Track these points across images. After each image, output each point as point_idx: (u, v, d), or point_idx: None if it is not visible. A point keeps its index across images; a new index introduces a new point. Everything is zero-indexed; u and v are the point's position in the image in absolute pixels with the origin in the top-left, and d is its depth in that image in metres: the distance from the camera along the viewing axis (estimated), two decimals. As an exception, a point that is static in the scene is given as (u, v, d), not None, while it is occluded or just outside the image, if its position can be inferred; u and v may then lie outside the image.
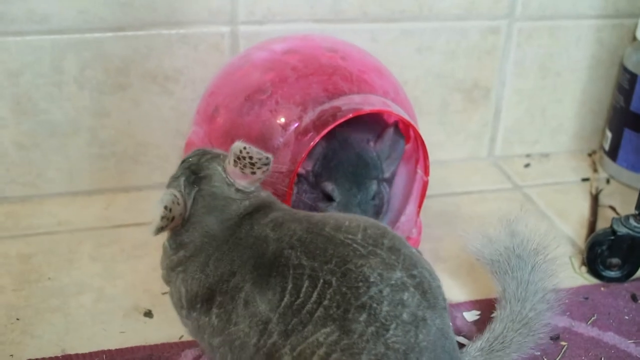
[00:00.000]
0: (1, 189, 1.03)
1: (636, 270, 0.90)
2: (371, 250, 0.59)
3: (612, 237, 0.89)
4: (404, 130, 0.90)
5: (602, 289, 0.88)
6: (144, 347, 0.76)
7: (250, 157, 0.64)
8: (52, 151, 1.02)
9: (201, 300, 0.63)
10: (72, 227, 0.98)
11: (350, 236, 0.60)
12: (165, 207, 0.62)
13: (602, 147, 1.20)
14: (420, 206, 0.89)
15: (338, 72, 0.81)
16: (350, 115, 0.76)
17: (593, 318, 0.82)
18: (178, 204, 0.64)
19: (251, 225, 0.64)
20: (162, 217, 0.62)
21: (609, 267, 0.90)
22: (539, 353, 0.76)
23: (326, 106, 0.77)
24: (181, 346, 0.76)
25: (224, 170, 0.67)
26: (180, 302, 0.66)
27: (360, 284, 0.57)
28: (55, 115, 1.00)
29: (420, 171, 0.88)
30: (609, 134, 1.16)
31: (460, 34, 1.10)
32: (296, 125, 0.77)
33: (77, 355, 0.75)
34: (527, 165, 1.20)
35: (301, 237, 0.61)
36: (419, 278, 0.59)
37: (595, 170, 1.19)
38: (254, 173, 0.65)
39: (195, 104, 0.91)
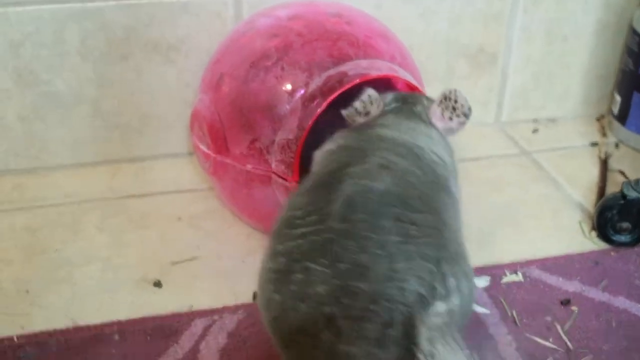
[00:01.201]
0: (6, 161, 1.02)
1: (646, 235, 0.89)
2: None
3: (622, 202, 0.88)
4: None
5: (612, 253, 0.87)
6: (154, 317, 0.76)
7: (455, 101, 0.70)
8: (56, 123, 1.01)
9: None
10: (77, 198, 0.98)
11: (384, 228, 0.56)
12: (369, 96, 0.69)
13: (610, 112, 1.19)
14: (428, 172, 0.88)
15: (343, 37, 0.80)
16: (357, 81, 0.75)
17: (603, 283, 0.82)
18: (378, 106, 0.71)
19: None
20: (361, 101, 0.69)
21: (619, 232, 0.89)
22: (549, 318, 0.76)
23: (332, 72, 0.76)
24: (191, 316, 0.76)
25: (427, 107, 0.73)
26: None
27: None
28: (58, 87, 0.99)
29: (428, 137, 0.87)
30: (617, 98, 1.15)
31: (466, -2, 1.09)
32: (302, 91, 0.76)
33: (87, 326, 0.75)
34: (534, 131, 1.19)
35: (360, 191, 0.59)
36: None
37: (604, 135, 1.18)
38: (450, 119, 0.71)
39: (198, 73, 0.90)
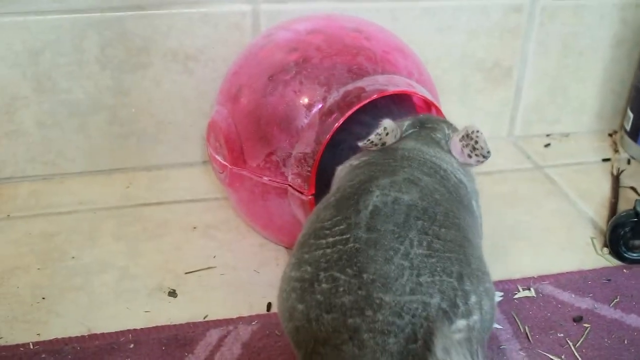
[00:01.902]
0: (22, 167, 1.03)
1: (659, 252, 0.90)
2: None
3: (635, 219, 0.88)
4: (427, 109, 0.90)
5: (625, 270, 0.87)
6: (169, 326, 0.76)
7: (476, 142, 0.70)
8: (73, 130, 1.02)
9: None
10: (93, 206, 0.99)
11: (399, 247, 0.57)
12: (385, 129, 0.69)
13: (623, 127, 1.19)
14: (442, 187, 0.89)
15: (362, 52, 0.80)
16: (375, 96, 0.75)
17: (616, 300, 0.82)
18: (395, 136, 0.71)
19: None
20: (377, 134, 0.69)
21: (632, 249, 0.89)
22: (562, 335, 0.76)
23: (350, 87, 0.77)
24: (206, 326, 0.76)
25: (448, 135, 0.73)
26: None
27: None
28: (76, 94, 1.00)
29: (443, 152, 0.87)
30: (630, 114, 1.15)
31: (481, 12, 1.09)
32: (320, 106, 0.77)
33: (103, 334, 0.75)
34: (547, 145, 1.19)
35: (393, 201, 0.60)
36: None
37: (616, 151, 1.18)
38: (469, 156, 0.71)
39: (216, 83, 0.91)
